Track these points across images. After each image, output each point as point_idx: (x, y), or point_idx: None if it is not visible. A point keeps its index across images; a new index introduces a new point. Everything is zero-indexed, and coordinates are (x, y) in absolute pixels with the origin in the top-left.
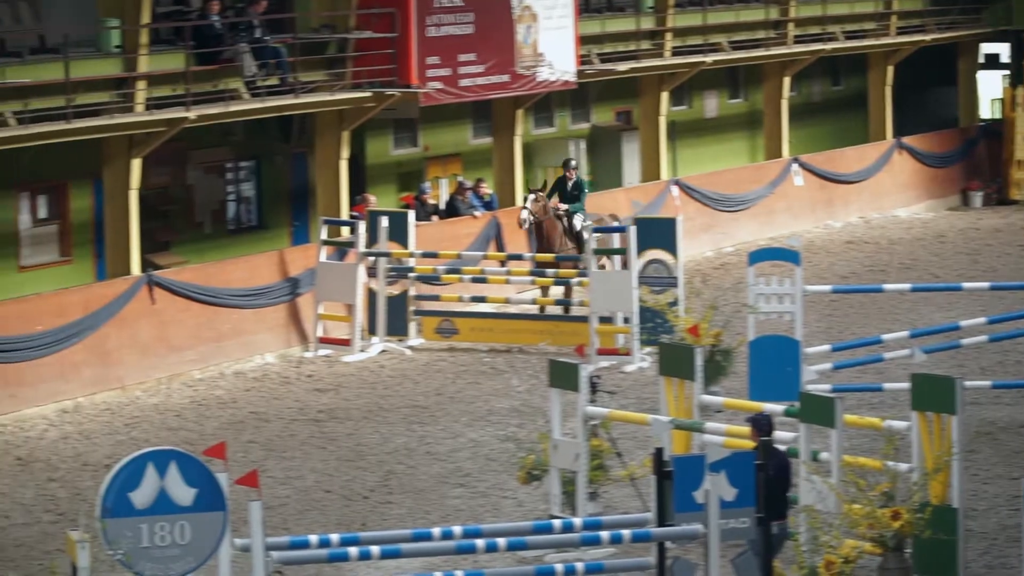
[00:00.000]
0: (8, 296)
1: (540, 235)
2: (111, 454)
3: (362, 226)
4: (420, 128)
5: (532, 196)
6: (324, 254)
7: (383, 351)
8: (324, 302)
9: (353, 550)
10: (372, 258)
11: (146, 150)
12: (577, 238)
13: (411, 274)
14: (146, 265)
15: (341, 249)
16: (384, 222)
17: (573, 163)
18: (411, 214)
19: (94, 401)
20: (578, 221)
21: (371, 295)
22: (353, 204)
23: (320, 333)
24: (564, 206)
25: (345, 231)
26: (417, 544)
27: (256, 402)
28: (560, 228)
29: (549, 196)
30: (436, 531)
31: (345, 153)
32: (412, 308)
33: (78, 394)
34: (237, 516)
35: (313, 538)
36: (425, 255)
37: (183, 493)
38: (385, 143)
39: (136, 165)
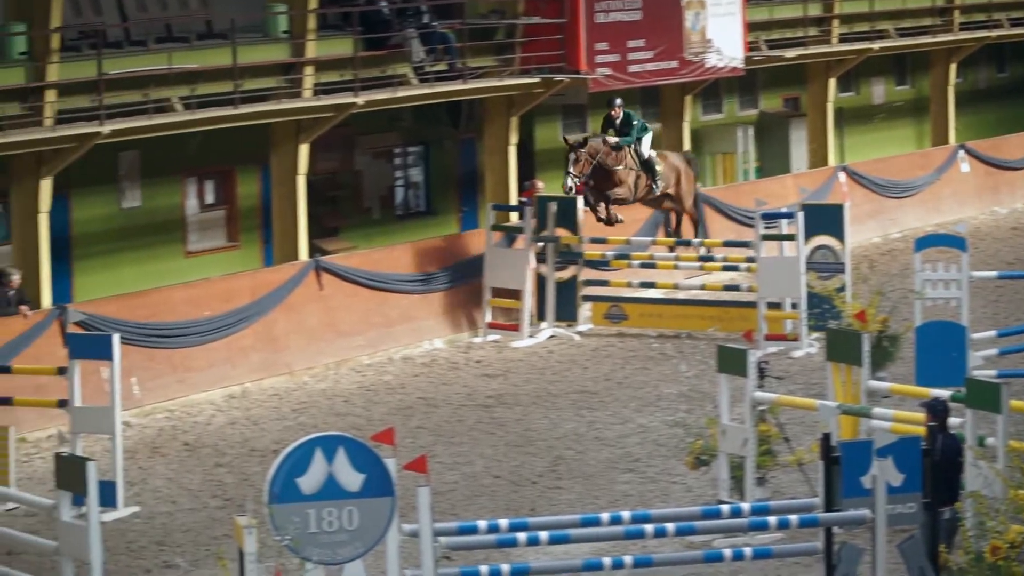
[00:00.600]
0: (175, 281)
1: (601, 179)
2: (279, 439)
3: (531, 212)
4: (589, 114)
5: (572, 156)
6: (493, 240)
7: (552, 336)
8: (493, 287)
9: (521, 535)
10: (541, 244)
11: (314, 135)
12: (647, 167)
13: (580, 259)
14: (314, 250)
15: (510, 235)
16: (553, 208)
17: (618, 101)
18: (580, 200)
19: (261, 386)
20: (646, 144)
21: (540, 281)
22: (522, 190)
23: (489, 318)
24: (614, 139)
25: (514, 217)
26: (586, 529)
27: (424, 387)
28: (620, 154)
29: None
30: (605, 516)
31: (514, 139)
32: (581, 294)
33: (245, 379)
34: (405, 502)
35: (482, 523)
36: (594, 241)
37: (351, 479)
38: (554, 129)
39: (304, 150)
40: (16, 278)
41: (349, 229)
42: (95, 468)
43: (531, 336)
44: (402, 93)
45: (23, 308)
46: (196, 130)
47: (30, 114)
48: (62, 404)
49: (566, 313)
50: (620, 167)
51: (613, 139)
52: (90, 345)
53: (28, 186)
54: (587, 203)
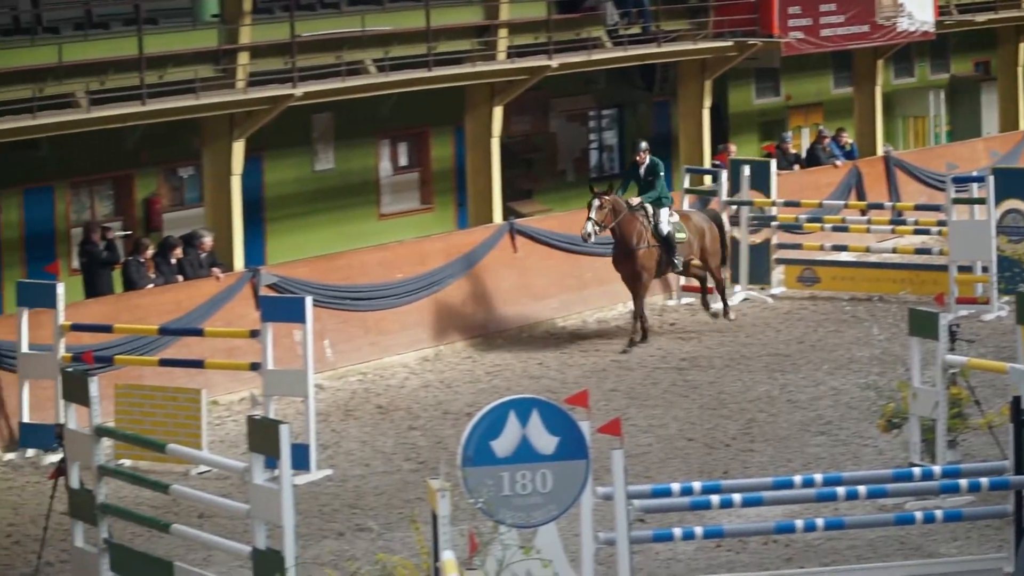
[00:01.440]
0: (368, 244)
1: (617, 239)
2: (472, 402)
3: (724, 175)
4: (782, 77)
5: (596, 203)
6: (687, 203)
7: (745, 299)
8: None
9: (715, 498)
10: (734, 207)
11: (508, 98)
12: (664, 239)
13: (773, 223)
14: (508, 213)
15: (704, 198)
16: (746, 171)
17: (643, 145)
18: (773, 163)
19: (455, 349)
20: (664, 217)
21: (734, 244)
22: (715, 153)
23: (683, 282)
24: (637, 199)
25: (707, 180)
26: (778, 492)
27: (618, 350)
28: (639, 225)
29: (622, 190)
30: (797, 479)
31: (707, 102)
32: (774, 256)
33: (439, 342)
34: (599, 464)
35: (675, 486)
36: (787, 204)
37: (545, 441)
38: (747, 92)
39: (498, 113)
40: (208, 240)
41: (543, 192)
42: (288, 431)
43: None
44: (596, 56)
45: (215, 271)
46: (390, 92)
47: (223, 77)
48: (254, 367)
49: (759, 276)
50: (643, 247)
51: (636, 200)
52: (283, 308)
53: (221, 148)
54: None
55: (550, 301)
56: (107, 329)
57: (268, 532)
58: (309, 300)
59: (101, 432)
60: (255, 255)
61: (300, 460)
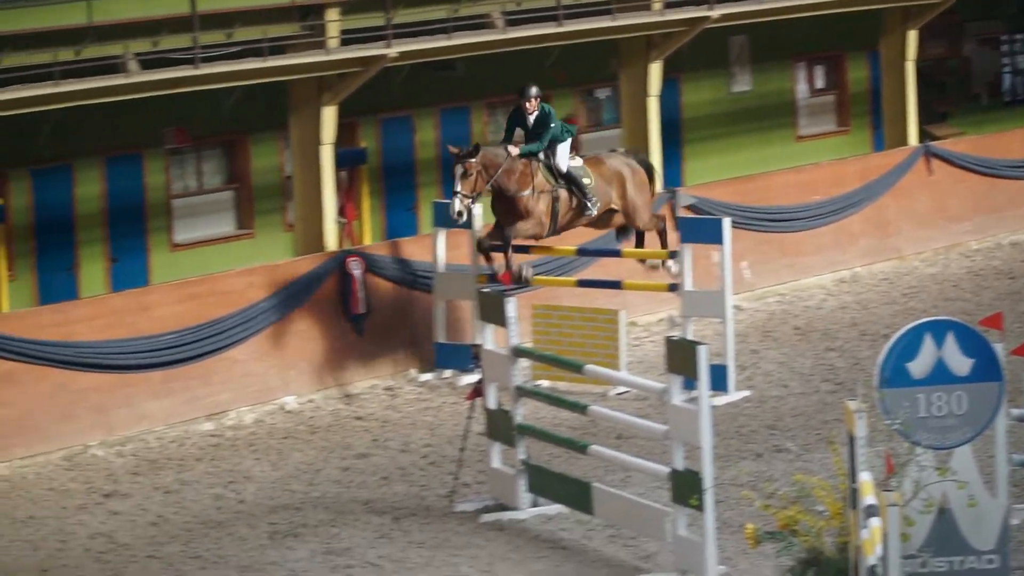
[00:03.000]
0: (785, 166)
1: (496, 193)
2: (889, 324)
3: None
4: None
5: (459, 170)
6: None
7: None
8: None
9: None
10: None
11: (921, 22)
12: (570, 182)
13: None
14: (923, 136)
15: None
16: None
17: (534, 91)
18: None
19: (871, 271)
20: (562, 153)
21: None
22: None
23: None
24: (516, 149)
25: None
26: None
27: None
28: (521, 169)
29: (504, 141)
30: None
31: None
32: None
33: (855, 264)
34: (1013, 387)
35: None
36: None
37: (960, 363)
38: None
39: (912, 36)
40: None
41: (957, 115)
42: (706, 352)
43: None
44: None
45: None
46: (803, 15)
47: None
48: (672, 288)
49: None
50: (526, 192)
51: (516, 149)
52: (701, 229)
53: (638, 70)
54: (481, 248)
55: (964, 223)
56: (524, 250)
57: (686, 453)
58: (727, 221)
59: (519, 353)
60: (673, 176)
61: (718, 381)
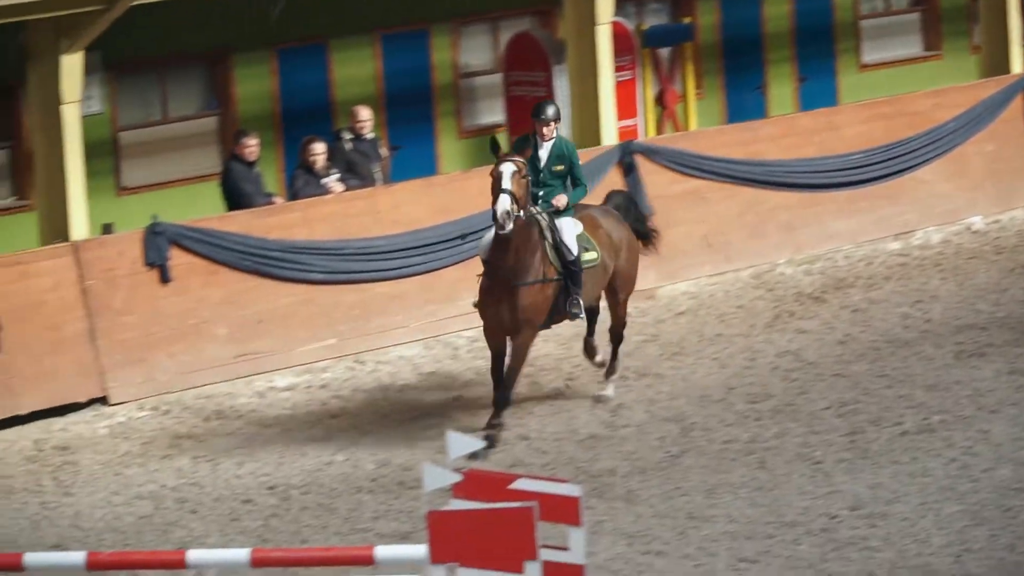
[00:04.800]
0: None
1: (494, 260)
2: None
3: None
4: None
5: (510, 168)
6: None
7: None
8: None
9: None
10: None
11: None
12: (567, 266)
13: None
14: None
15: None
16: None
17: (551, 111)
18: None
19: None
20: (569, 228)
21: None
22: None
23: None
24: (563, 200)
25: None
26: None
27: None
28: (535, 240)
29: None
30: None
31: None
32: None
33: None
34: None
35: None
36: None
37: None
38: None
39: None
40: None
41: None
42: None
43: None
44: None
45: None
46: None
47: None
48: None
49: None
50: (532, 278)
51: (563, 199)
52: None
53: None
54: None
55: None
56: None
57: None
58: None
59: None
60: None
61: None
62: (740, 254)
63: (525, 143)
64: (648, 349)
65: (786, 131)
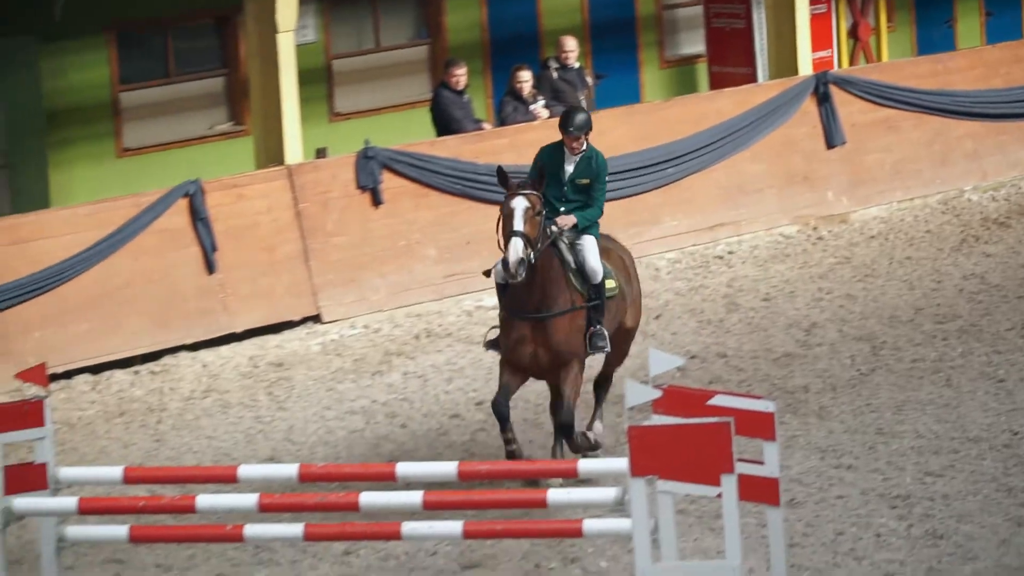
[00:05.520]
0: None
1: (521, 292)
2: None
3: None
4: None
5: (522, 203)
6: None
7: None
8: None
9: None
10: None
11: None
12: (594, 291)
13: None
14: None
15: None
16: None
17: (580, 118)
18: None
19: None
20: (593, 251)
21: None
22: None
23: None
24: (570, 220)
25: None
26: None
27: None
28: (557, 268)
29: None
30: None
31: None
32: None
33: None
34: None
35: None
36: None
37: None
38: None
39: None
40: None
41: None
42: None
43: None
44: None
45: None
46: None
47: None
48: None
49: None
50: (561, 308)
51: (570, 219)
52: None
53: None
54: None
55: None
56: None
57: None
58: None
59: None
60: None
61: None
62: (929, 180)
63: (549, 153)
64: (841, 271)
65: (974, 63)
